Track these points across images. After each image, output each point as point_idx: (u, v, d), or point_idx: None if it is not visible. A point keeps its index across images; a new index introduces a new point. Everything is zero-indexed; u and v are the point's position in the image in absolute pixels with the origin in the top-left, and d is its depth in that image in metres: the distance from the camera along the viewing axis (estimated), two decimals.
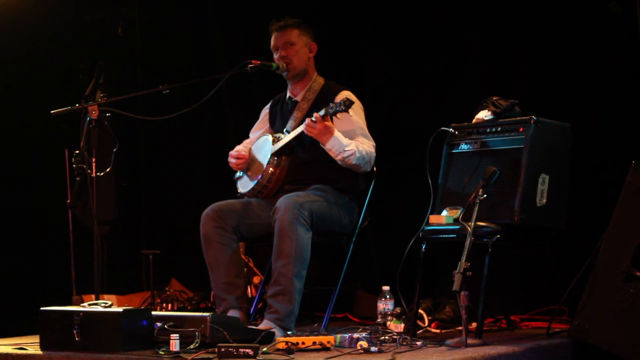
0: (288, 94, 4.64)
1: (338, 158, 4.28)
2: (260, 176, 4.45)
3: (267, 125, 4.74)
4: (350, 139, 4.31)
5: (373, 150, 4.39)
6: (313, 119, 4.19)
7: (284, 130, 4.52)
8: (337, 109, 4.13)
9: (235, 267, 4.35)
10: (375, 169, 4.60)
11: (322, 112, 4.18)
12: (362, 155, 4.31)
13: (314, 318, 4.81)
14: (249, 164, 4.59)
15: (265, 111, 4.79)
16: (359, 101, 4.50)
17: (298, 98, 4.57)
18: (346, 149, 4.26)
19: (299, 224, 4.13)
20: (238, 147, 4.66)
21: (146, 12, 6.18)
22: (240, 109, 5.75)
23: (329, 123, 4.21)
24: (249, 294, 4.95)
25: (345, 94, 4.44)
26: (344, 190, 4.45)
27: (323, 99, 4.45)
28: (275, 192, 4.47)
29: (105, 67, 5.95)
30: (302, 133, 4.30)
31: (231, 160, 4.59)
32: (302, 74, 4.55)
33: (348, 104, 4.11)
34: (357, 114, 4.42)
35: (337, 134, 4.24)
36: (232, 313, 4.23)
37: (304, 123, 4.26)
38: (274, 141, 4.47)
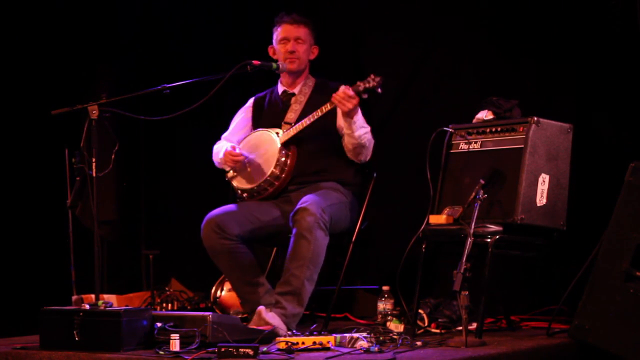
0: (282, 89, 4.65)
1: (356, 134, 4.31)
2: (271, 168, 4.41)
3: (250, 127, 4.69)
4: None
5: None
6: (350, 92, 4.19)
7: (282, 122, 4.51)
8: (373, 86, 4.17)
9: (251, 269, 4.33)
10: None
11: (360, 88, 4.20)
12: (370, 138, 4.37)
13: (314, 318, 4.80)
14: (245, 163, 4.54)
15: (243, 114, 4.74)
16: None
17: (295, 91, 4.60)
18: (364, 125, 4.34)
19: (319, 229, 4.12)
20: (229, 148, 4.55)
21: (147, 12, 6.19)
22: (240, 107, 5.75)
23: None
24: None
25: (345, 87, 4.42)
26: (349, 183, 4.45)
27: (320, 93, 4.50)
28: (280, 191, 4.44)
29: (105, 67, 5.94)
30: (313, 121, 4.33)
31: (231, 159, 4.50)
32: (302, 71, 4.60)
33: (381, 82, 4.15)
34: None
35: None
36: None
37: (317, 111, 4.31)
38: (280, 133, 4.45)
